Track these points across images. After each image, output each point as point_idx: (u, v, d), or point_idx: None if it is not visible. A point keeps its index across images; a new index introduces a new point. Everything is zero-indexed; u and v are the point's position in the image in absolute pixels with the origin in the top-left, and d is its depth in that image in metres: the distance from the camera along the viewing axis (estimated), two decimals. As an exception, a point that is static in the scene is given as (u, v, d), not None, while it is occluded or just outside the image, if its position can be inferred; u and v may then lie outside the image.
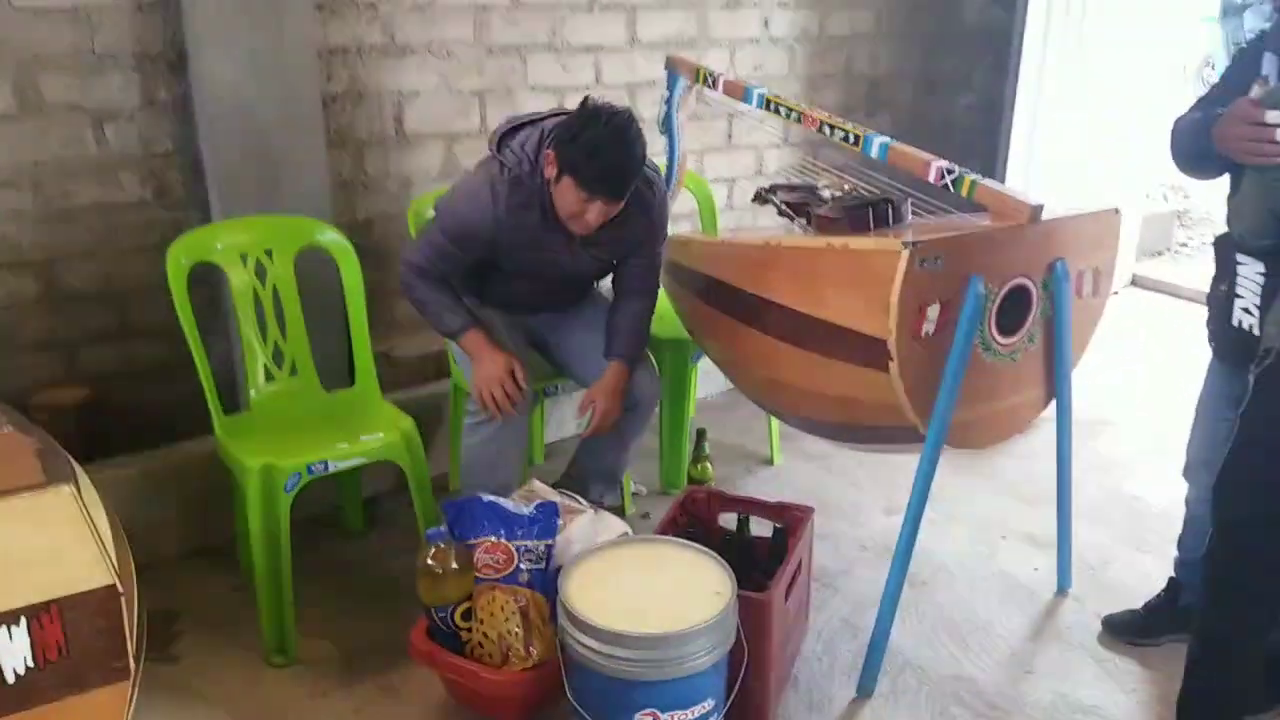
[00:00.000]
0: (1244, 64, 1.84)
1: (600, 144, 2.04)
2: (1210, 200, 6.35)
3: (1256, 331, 1.78)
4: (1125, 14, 3.89)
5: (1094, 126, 3.97)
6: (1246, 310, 1.82)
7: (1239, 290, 1.82)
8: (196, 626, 2.32)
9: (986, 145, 3.61)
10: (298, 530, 2.20)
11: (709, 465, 2.72)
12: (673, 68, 2.68)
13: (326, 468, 2.17)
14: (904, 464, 2.15)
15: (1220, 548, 1.80)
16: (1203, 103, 1.89)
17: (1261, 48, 1.82)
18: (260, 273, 2.35)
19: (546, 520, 1.90)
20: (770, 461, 3.10)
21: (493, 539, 1.87)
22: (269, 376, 2.39)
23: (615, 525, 2.04)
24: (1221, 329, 1.91)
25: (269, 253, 2.36)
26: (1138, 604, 2.39)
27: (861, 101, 3.63)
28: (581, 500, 2.14)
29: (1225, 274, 1.85)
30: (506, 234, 2.20)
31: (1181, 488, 2.29)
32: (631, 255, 2.39)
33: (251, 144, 2.44)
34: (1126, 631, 2.32)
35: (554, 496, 2.08)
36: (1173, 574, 2.34)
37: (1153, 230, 5.19)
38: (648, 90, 3.09)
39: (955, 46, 3.79)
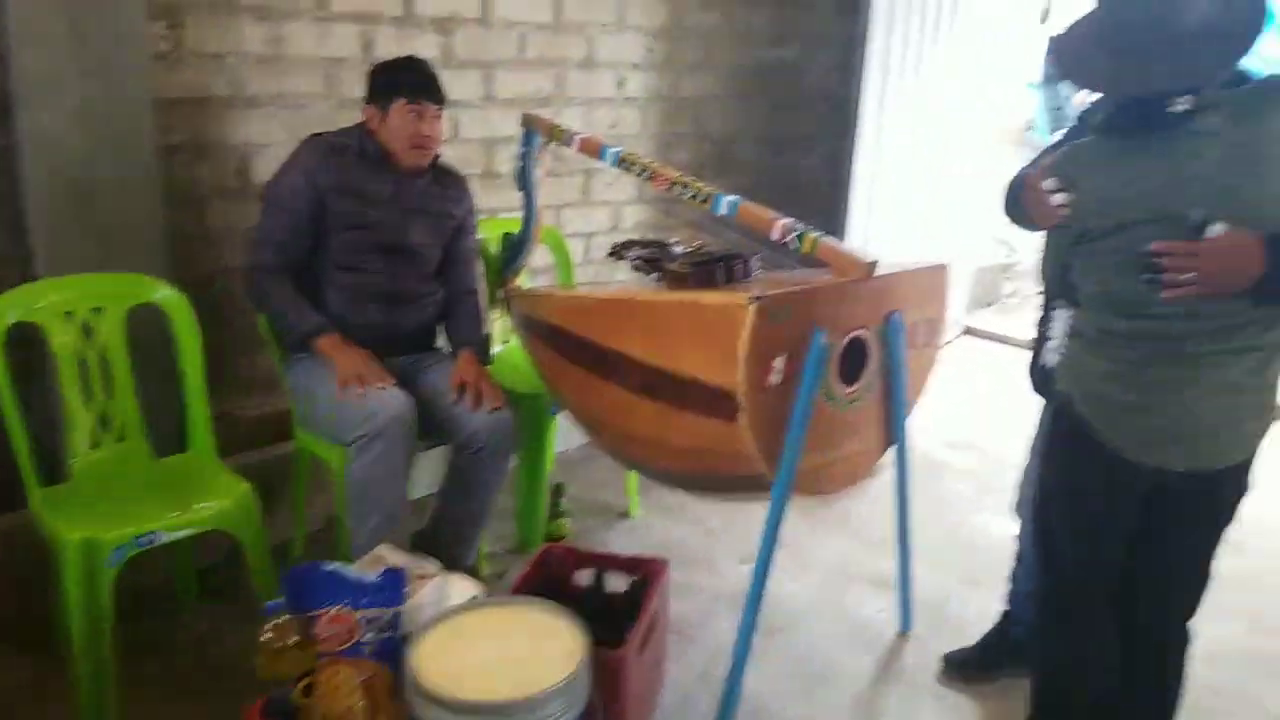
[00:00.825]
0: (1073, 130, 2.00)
1: (402, 62, 2.42)
2: (1033, 254, 6.84)
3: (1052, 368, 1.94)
4: (955, 80, 4.19)
5: (928, 185, 4.23)
6: (1053, 352, 1.95)
7: (1050, 334, 1.96)
8: (5, 717, 2.13)
9: (830, 203, 3.79)
10: (125, 605, 2.06)
11: (566, 521, 2.71)
12: (529, 125, 2.71)
13: (155, 539, 2.04)
14: (759, 512, 2.20)
15: (1041, 581, 1.93)
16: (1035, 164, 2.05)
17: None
18: (88, 332, 2.22)
19: (392, 587, 1.84)
20: (629, 514, 3.12)
21: (336, 609, 1.79)
22: (95, 443, 2.24)
23: (467, 588, 1.99)
24: (1034, 368, 2.05)
25: (97, 311, 2.23)
26: (975, 640, 2.51)
27: (713, 160, 3.76)
28: (432, 563, 2.08)
29: (1044, 319, 2.00)
30: (330, 180, 2.33)
31: (1009, 527, 2.43)
32: (453, 239, 2.57)
33: (81, 198, 2.31)
34: (965, 668, 2.43)
35: (401, 561, 2.02)
36: (1005, 608, 2.47)
37: (982, 283, 5.54)
38: (504, 146, 3.11)
39: (800, 109, 3.98)
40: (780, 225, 2.18)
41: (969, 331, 5.18)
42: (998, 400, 4.25)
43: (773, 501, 2.15)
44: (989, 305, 5.71)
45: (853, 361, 2.18)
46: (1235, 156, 1.51)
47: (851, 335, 2.16)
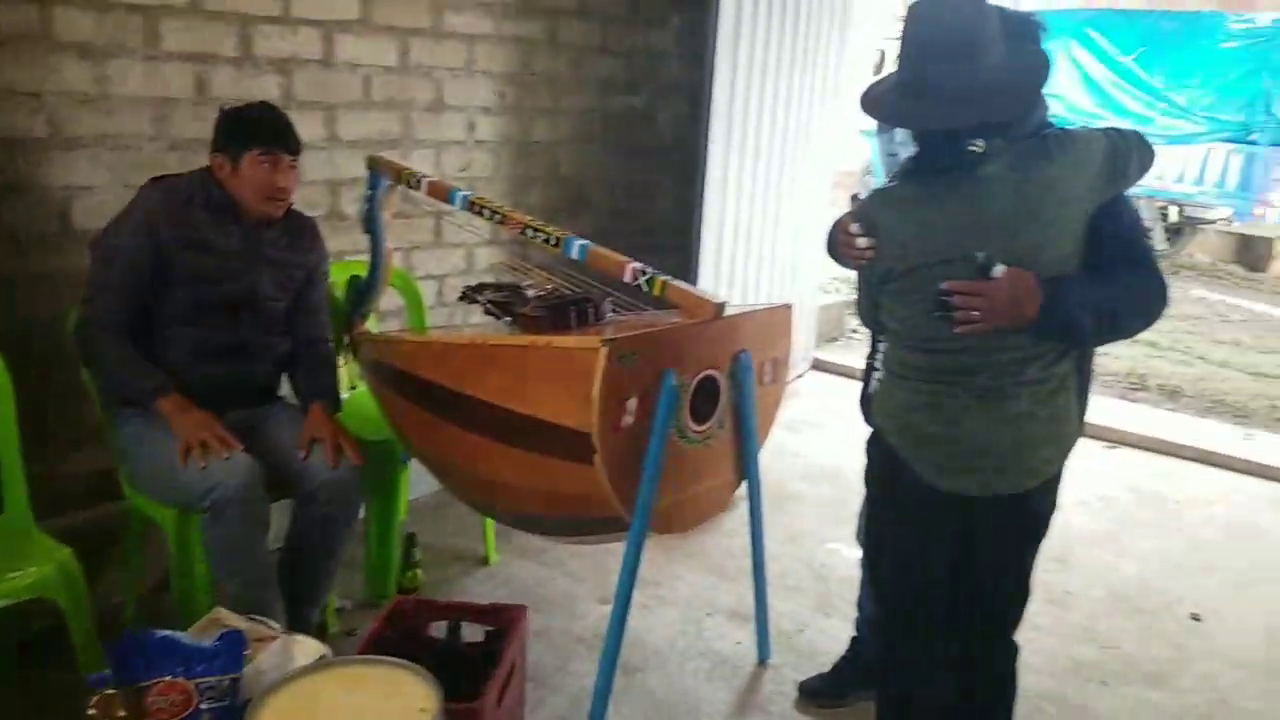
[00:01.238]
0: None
1: (254, 109, 2.30)
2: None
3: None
4: (797, 127, 4.38)
5: (774, 227, 4.40)
6: (880, 381, 2.09)
7: (877, 364, 2.09)
8: None
9: (682, 245, 3.88)
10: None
11: (419, 572, 2.64)
12: (375, 167, 2.67)
13: (-36, 611, 1.88)
14: (618, 551, 2.21)
15: (875, 608, 2.03)
16: None
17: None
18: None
19: (230, 651, 1.74)
20: (487, 560, 3.07)
21: (168, 678, 1.69)
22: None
23: (312, 648, 1.91)
24: (864, 396, 2.20)
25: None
26: (829, 667, 2.59)
27: (567, 203, 3.79)
28: (273, 624, 1.99)
29: (872, 352, 2.15)
30: (172, 232, 2.20)
31: (859, 554, 2.52)
32: (302, 288, 2.46)
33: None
34: (819, 695, 2.50)
35: (240, 624, 1.92)
36: (854, 633, 2.56)
37: (828, 319, 5.78)
38: (350, 188, 3.04)
39: (651, 154, 4.07)
40: (630, 268, 2.23)
41: (817, 365, 5.38)
42: (846, 431, 4.41)
43: (629, 542, 2.17)
44: (834, 340, 5.95)
45: (704, 400, 2.24)
46: (1018, 202, 1.66)
47: (702, 375, 2.21)
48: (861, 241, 1.76)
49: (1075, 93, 8.37)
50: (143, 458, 2.24)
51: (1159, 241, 8.99)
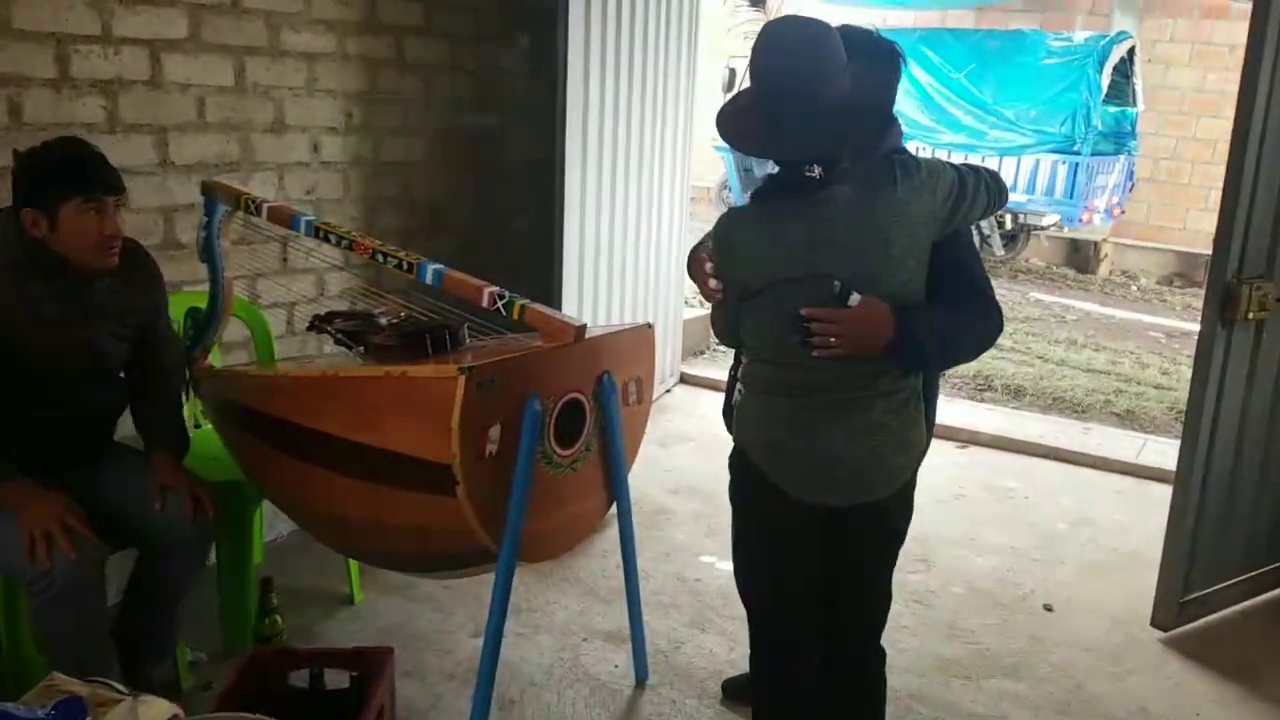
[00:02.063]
0: None
1: (60, 152, 2.01)
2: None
3: None
4: (651, 144, 4.41)
5: (634, 245, 4.41)
6: (740, 392, 2.11)
7: (740, 375, 2.11)
8: None
9: (542, 267, 3.83)
10: None
11: (278, 618, 2.49)
12: (210, 193, 2.53)
13: None
14: (490, 582, 2.15)
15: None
16: None
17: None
18: None
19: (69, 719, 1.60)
20: (351, 600, 2.93)
21: (-7, 758, 1.53)
22: None
23: (162, 709, 1.77)
24: (727, 406, 2.21)
25: None
26: (706, 682, 2.60)
27: (423, 225, 3.69)
28: (117, 686, 1.84)
29: (735, 364, 2.16)
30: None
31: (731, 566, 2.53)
32: (143, 329, 2.26)
33: None
34: (739, 692, 2.53)
35: (79, 689, 1.76)
36: None
37: (693, 333, 5.83)
38: (186, 214, 2.87)
39: (507, 174, 4.02)
40: (488, 293, 2.17)
41: (684, 380, 5.42)
42: (715, 444, 4.46)
43: (499, 573, 2.12)
44: (701, 354, 6.02)
45: (569, 424, 2.20)
46: (861, 223, 1.71)
47: (566, 398, 2.18)
48: (713, 283, 1.85)
49: (911, 108, 8.78)
50: None
51: (996, 248, 9.53)
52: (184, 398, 2.62)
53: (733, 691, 2.58)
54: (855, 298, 1.67)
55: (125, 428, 2.37)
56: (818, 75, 1.63)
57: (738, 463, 1.94)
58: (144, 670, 2.21)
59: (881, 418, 1.79)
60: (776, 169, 1.78)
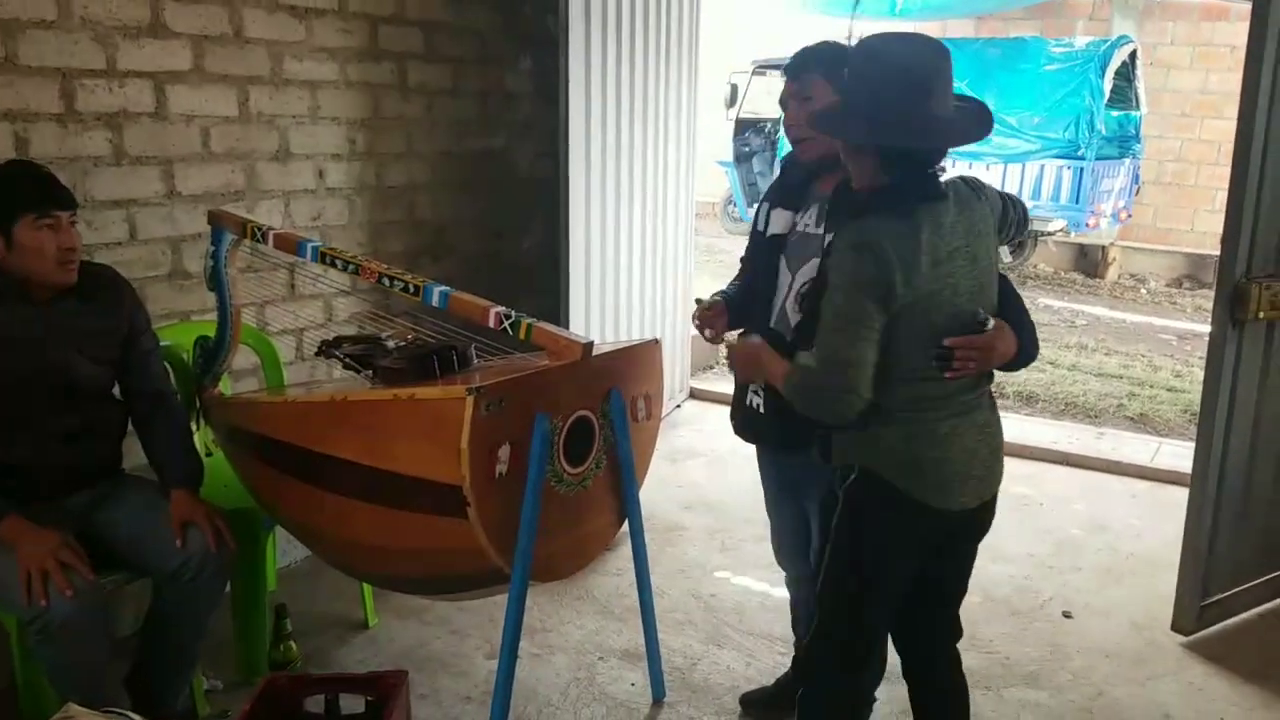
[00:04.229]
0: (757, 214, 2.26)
1: (8, 173, 2.10)
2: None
3: (762, 410, 2.16)
4: (655, 160, 4.43)
5: (640, 261, 4.42)
6: (755, 393, 2.19)
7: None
8: None
9: (549, 286, 3.84)
10: None
11: (293, 644, 2.50)
12: (216, 222, 2.55)
13: None
14: (504, 603, 2.14)
15: (815, 645, 1.98)
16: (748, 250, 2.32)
17: (763, 200, 2.25)
18: None
19: (82, 753, 1.60)
20: (366, 625, 2.93)
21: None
22: None
23: (177, 738, 1.78)
24: (738, 410, 2.26)
25: None
26: (724, 699, 2.58)
27: (428, 247, 3.71)
28: (134, 716, 1.84)
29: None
30: None
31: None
32: (124, 348, 2.26)
33: None
34: (758, 707, 2.56)
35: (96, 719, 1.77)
36: (795, 655, 2.54)
37: (702, 348, 5.83)
38: (193, 244, 2.89)
39: (512, 195, 4.03)
40: (494, 313, 2.18)
41: (694, 395, 5.42)
42: (725, 459, 4.45)
43: (511, 593, 2.11)
44: (710, 368, 6.01)
45: (578, 442, 2.20)
46: (972, 234, 1.80)
47: (574, 417, 2.18)
48: (708, 333, 2.20)
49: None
50: None
51: (1004, 255, 9.51)
52: (195, 426, 2.64)
53: (753, 705, 2.56)
54: (991, 322, 1.78)
55: (137, 457, 2.39)
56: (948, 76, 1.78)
57: (867, 492, 1.83)
58: (161, 699, 2.21)
59: (990, 415, 1.90)
60: (890, 175, 1.74)
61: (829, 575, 1.90)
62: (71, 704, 1.87)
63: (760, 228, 2.21)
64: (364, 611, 2.93)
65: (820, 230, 2.08)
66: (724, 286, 2.36)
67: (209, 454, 2.75)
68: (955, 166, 8.15)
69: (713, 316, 2.25)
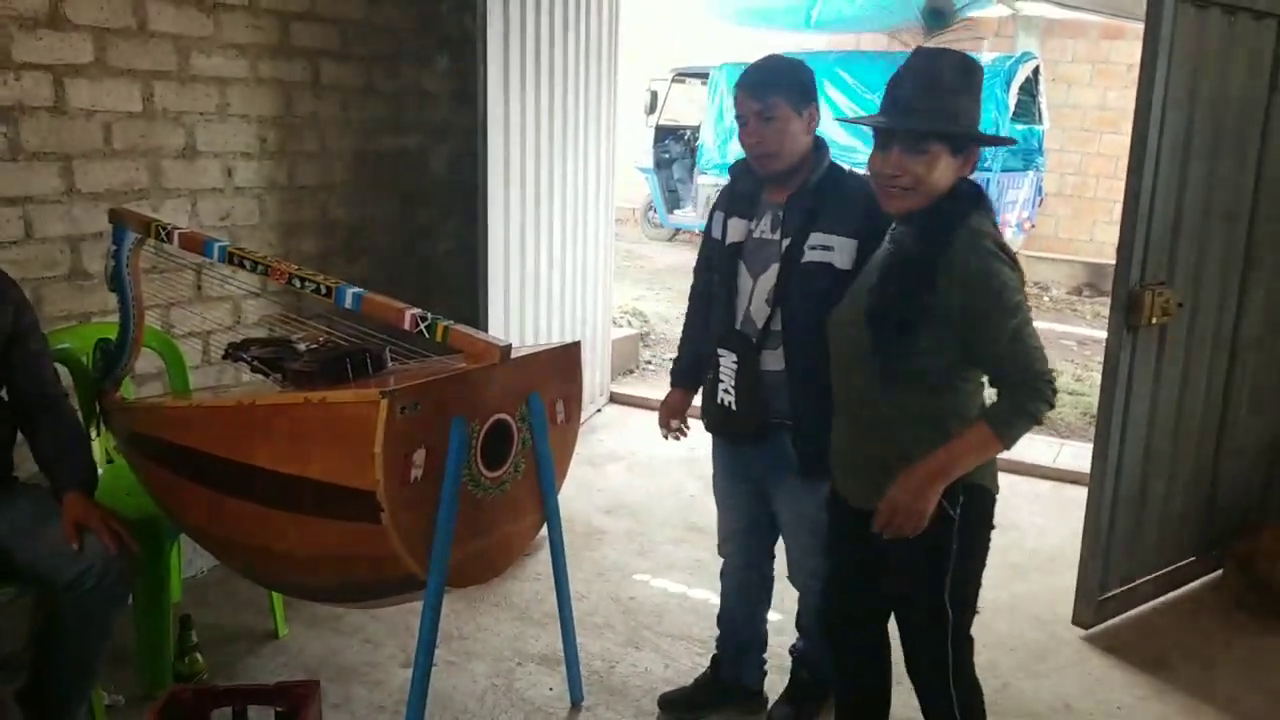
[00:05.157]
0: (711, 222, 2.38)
1: None
2: (666, 324, 7.38)
3: (734, 407, 2.26)
4: (574, 165, 4.43)
5: (560, 265, 4.41)
6: (726, 390, 2.26)
7: (721, 376, 2.27)
8: None
9: (467, 289, 3.80)
10: None
11: (199, 656, 2.42)
12: (118, 221, 2.46)
13: None
14: (420, 610, 2.11)
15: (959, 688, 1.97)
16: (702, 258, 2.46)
17: (715, 208, 2.35)
18: None
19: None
20: (276, 635, 2.85)
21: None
22: None
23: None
24: (709, 406, 2.35)
25: None
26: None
27: (342, 248, 3.64)
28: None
29: (712, 366, 2.30)
30: None
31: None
32: (8, 345, 2.16)
33: None
34: (676, 708, 2.58)
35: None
36: (715, 650, 2.62)
37: (622, 353, 5.85)
38: (94, 243, 2.78)
39: (428, 197, 3.98)
40: (410, 315, 2.15)
41: (614, 399, 5.42)
42: (646, 463, 4.47)
43: (427, 599, 2.08)
44: (630, 372, 6.03)
45: (496, 446, 2.18)
46: None
47: (492, 420, 2.16)
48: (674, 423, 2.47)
49: (829, 128, 8.96)
50: None
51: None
52: (95, 431, 2.54)
53: (671, 706, 2.58)
54: None
55: (31, 466, 2.29)
56: None
57: (977, 508, 1.86)
58: (59, 715, 2.12)
59: None
60: (968, 174, 1.86)
61: (934, 608, 1.88)
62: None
63: (718, 235, 2.33)
64: (274, 621, 2.85)
65: (776, 236, 2.21)
66: (671, 314, 2.56)
67: (110, 460, 2.65)
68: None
69: (674, 410, 2.53)
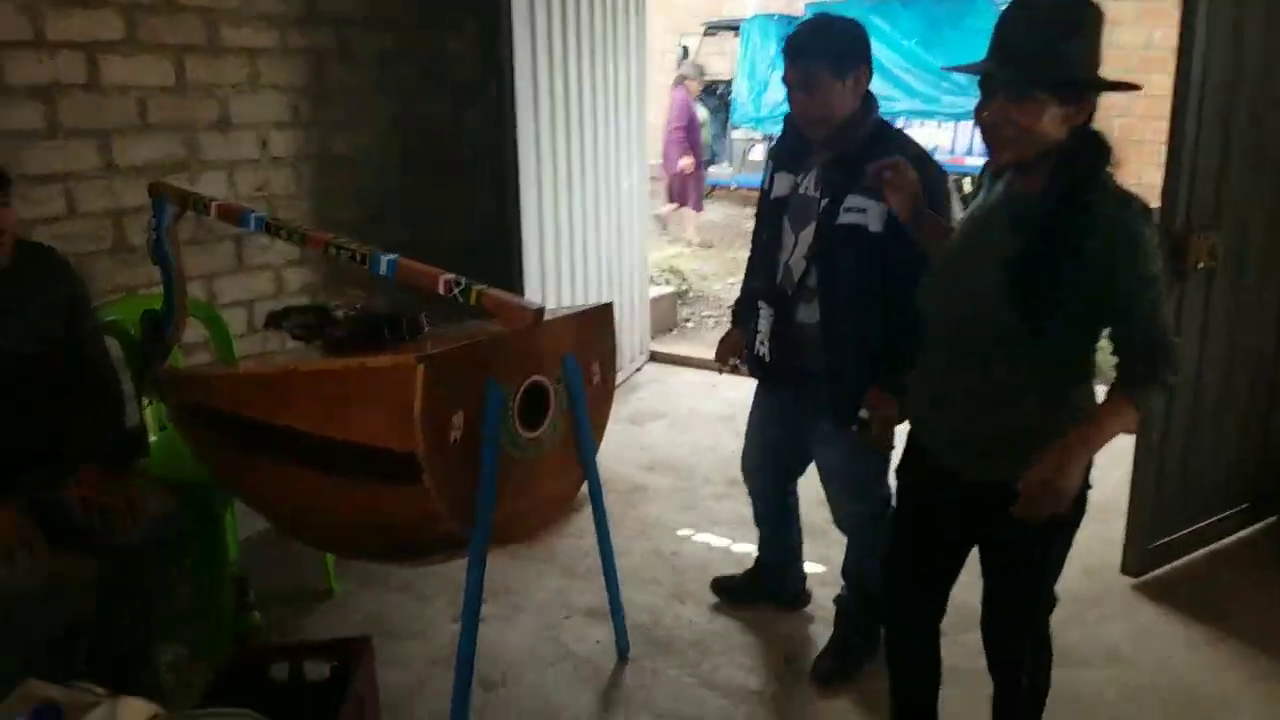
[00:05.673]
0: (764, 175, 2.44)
1: None
2: (704, 282, 7.35)
3: (768, 357, 2.39)
4: (607, 125, 4.41)
5: (595, 226, 4.41)
6: (761, 342, 2.40)
7: (759, 328, 2.38)
8: None
9: (503, 252, 3.82)
10: None
11: (255, 614, 2.50)
12: (157, 194, 2.50)
13: None
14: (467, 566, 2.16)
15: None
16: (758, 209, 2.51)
17: (768, 160, 2.42)
18: None
19: (44, 727, 1.60)
20: (330, 592, 2.93)
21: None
22: None
23: (141, 709, 1.77)
24: (751, 357, 2.47)
25: None
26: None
27: (378, 216, 3.66)
28: (96, 689, 1.83)
29: (751, 318, 2.44)
30: None
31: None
32: (69, 326, 2.19)
33: None
34: (725, 591, 2.90)
35: (56, 695, 1.76)
36: (757, 554, 2.88)
37: (660, 311, 5.85)
38: (135, 218, 2.84)
39: (462, 162, 3.99)
40: (443, 280, 2.16)
41: (654, 358, 5.44)
42: (687, 420, 4.49)
43: (471, 557, 2.13)
44: (669, 331, 6.03)
45: (532, 408, 2.20)
46: None
47: (528, 382, 2.18)
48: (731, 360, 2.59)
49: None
50: None
51: (957, 211, 9.58)
52: (145, 402, 2.60)
53: (720, 588, 2.90)
54: None
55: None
56: None
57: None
58: (123, 672, 2.20)
59: None
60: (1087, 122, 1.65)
61: (1042, 595, 1.92)
62: (31, 679, 1.86)
63: (766, 188, 2.40)
64: (327, 579, 2.93)
65: (818, 195, 2.25)
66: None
67: (163, 428, 2.73)
68: (909, 126, 8.19)
69: (732, 348, 2.60)
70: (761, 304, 2.39)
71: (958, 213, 2.08)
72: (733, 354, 2.59)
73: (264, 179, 3.24)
